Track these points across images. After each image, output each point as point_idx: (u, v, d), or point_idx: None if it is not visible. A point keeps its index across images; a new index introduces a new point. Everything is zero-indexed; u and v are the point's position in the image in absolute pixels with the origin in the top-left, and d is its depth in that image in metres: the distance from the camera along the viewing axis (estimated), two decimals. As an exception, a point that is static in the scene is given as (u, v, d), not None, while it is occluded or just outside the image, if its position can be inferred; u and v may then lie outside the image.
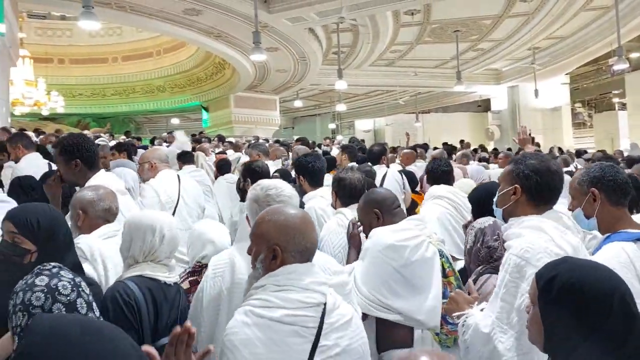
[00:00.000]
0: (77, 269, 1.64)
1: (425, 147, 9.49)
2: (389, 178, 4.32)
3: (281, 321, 1.39)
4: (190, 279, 2.11)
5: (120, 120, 21.92)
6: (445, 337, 2.03)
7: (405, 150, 7.10)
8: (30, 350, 0.78)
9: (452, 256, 2.35)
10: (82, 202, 2.10)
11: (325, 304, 1.45)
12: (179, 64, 18.57)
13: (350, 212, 2.50)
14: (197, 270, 1.99)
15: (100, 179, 2.48)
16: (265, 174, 3.06)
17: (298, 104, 20.29)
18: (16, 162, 4.03)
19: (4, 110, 9.16)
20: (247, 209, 1.95)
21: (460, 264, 2.60)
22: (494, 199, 1.83)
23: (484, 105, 22.65)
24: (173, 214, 3.16)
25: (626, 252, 1.66)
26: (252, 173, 3.05)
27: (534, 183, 1.69)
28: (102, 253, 1.94)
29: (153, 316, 1.74)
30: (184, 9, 10.69)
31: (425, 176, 4.08)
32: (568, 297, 1.12)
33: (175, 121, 24.27)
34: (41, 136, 8.14)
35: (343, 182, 2.68)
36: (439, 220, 3.08)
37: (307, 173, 3.11)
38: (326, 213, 2.83)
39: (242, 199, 2.95)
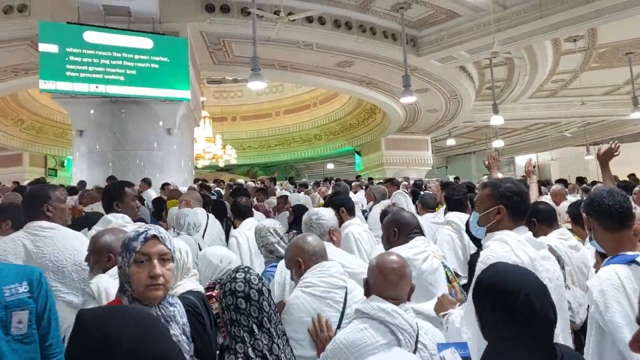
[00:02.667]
0: None
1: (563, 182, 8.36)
2: None
3: (319, 296, 2.09)
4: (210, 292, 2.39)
5: (283, 168, 23.78)
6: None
7: (554, 187, 6.56)
8: None
9: (455, 273, 2.77)
10: (112, 246, 2.15)
11: (346, 287, 2.15)
12: (333, 113, 19.67)
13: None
14: (212, 286, 2.24)
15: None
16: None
17: (451, 142, 19.83)
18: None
19: (189, 164, 10.66)
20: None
21: (463, 281, 3.00)
22: (471, 219, 2.14)
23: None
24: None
25: (617, 275, 1.76)
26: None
27: (515, 203, 1.99)
28: (107, 292, 1.98)
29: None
30: (337, 62, 11.42)
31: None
32: (487, 295, 1.43)
33: (330, 166, 25.49)
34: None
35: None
36: (447, 243, 3.45)
37: (345, 206, 3.65)
38: (361, 236, 3.42)
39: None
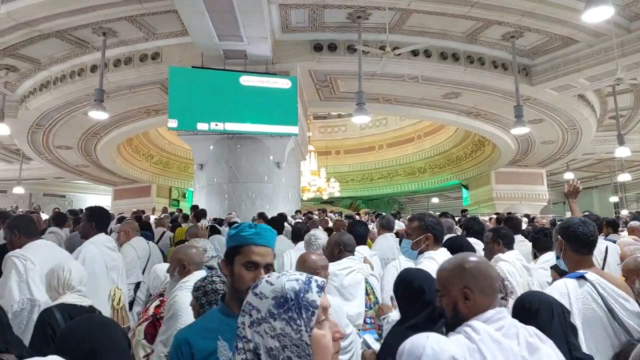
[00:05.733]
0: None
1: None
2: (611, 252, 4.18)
3: None
4: (160, 298, 2.90)
5: (385, 202, 23.66)
6: (361, 330, 2.91)
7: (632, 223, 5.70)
8: None
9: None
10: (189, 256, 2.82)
11: None
12: (439, 145, 19.31)
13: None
14: (160, 294, 2.94)
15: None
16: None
17: (569, 176, 18.38)
18: None
19: (296, 196, 11.06)
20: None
21: None
22: (403, 244, 2.82)
23: None
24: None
25: (566, 286, 2.15)
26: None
27: (437, 231, 2.69)
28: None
29: None
30: (444, 93, 11.28)
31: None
32: (400, 285, 2.12)
33: (435, 200, 24.87)
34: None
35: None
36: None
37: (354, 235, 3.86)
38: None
39: None
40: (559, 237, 2.31)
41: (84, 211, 4.00)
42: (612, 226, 4.75)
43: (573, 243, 2.25)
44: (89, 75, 9.99)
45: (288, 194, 10.45)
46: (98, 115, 9.07)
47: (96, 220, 3.64)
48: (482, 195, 18.34)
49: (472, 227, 4.51)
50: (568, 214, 10.80)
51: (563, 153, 15.62)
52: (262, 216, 7.98)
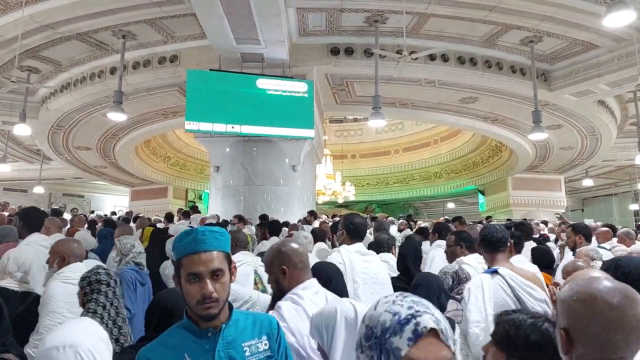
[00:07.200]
0: None
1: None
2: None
3: None
4: None
5: (401, 206, 23.55)
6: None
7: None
8: None
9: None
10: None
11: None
12: (455, 150, 19.16)
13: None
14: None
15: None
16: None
17: (588, 183, 18.13)
18: None
19: (311, 199, 11.06)
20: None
21: None
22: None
23: None
24: None
25: (481, 280, 2.60)
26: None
27: (350, 229, 3.14)
28: None
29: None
30: (461, 98, 11.20)
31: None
32: (314, 276, 2.14)
33: (451, 205, 24.67)
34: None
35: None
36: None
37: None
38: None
39: None
40: (477, 244, 2.92)
41: (17, 213, 4.10)
42: (584, 234, 4.70)
43: (482, 245, 2.83)
44: (109, 77, 10.14)
45: (303, 197, 10.46)
46: (117, 116, 9.21)
47: (26, 221, 3.81)
48: (498, 201, 18.14)
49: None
50: (586, 221, 10.62)
51: (582, 159, 15.38)
52: (240, 218, 8.08)
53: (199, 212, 10.82)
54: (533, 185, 17.29)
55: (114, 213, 11.72)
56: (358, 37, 9.18)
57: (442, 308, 2.68)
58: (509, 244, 2.85)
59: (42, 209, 4.76)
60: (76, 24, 8.57)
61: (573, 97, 10.33)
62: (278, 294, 1.98)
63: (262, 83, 9.15)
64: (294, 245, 2.05)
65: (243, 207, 9.72)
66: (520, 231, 4.83)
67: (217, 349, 1.45)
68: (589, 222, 8.83)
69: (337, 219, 9.03)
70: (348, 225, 3.18)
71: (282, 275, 1.97)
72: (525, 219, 9.05)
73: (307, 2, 8.09)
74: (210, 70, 9.06)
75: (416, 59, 8.32)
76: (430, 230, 5.73)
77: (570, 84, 9.84)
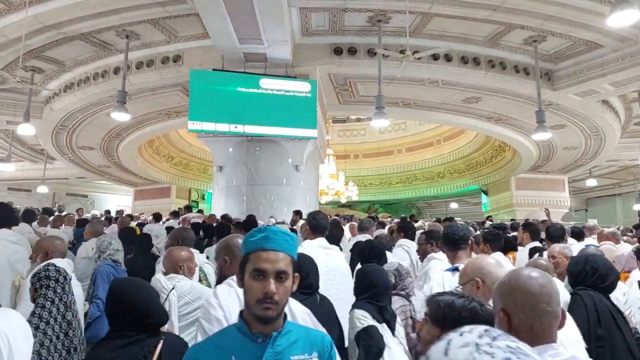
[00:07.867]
0: None
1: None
2: None
3: None
4: None
5: (404, 206, 23.51)
6: None
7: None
8: None
9: None
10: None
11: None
12: (458, 150, 19.12)
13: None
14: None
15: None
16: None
17: (591, 183, 18.06)
18: None
19: (314, 199, 11.06)
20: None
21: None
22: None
23: None
24: None
25: (443, 277, 2.89)
26: None
27: (312, 224, 3.41)
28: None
29: None
30: (464, 98, 11.18)
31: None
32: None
33: (454, 205, 24.62)
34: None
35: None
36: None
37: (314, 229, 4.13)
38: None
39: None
40: (441, 242, 3.17)
41: None
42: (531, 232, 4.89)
43: (447, 242, 3.03)
44: (112, 77, 10.16)
45: (306, 197, 10.46)
46: (120, 116, 9.22)
47: None
48: (502, 201, 18.10)
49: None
50: (590, 221, 10.59)
51: (586, 159, 15.33)
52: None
53: (192, 212, 10.91)
54: (536, 185, 17.25)
55: (108, 212, 11.82)
56: (361, 36, 9.17)
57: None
58: (470, 242, 3.06)
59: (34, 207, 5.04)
60: (80, 24, 8.59)
61: (577, 96, 10.30)
62: (220, 279, 2.29)
63: (265, 83, 9.15)
64: (239, 240, 2.26)
65: (246, 207, 9.73)
66: (528, 231, 4.90)
67: (265, 357, 1.41)
68: (592, 222, 8.79)
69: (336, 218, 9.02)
70: (311, 221, 3.43)
71: (224, 264, 2.30)
72: (528, 219, 9.03)
73: (310, 1, 8.09)
74: (214, 70, 9.07)
75: (419, 58, 8.31)
76: (395, 229, 5.71)
77: (574, 84, 9.81)
